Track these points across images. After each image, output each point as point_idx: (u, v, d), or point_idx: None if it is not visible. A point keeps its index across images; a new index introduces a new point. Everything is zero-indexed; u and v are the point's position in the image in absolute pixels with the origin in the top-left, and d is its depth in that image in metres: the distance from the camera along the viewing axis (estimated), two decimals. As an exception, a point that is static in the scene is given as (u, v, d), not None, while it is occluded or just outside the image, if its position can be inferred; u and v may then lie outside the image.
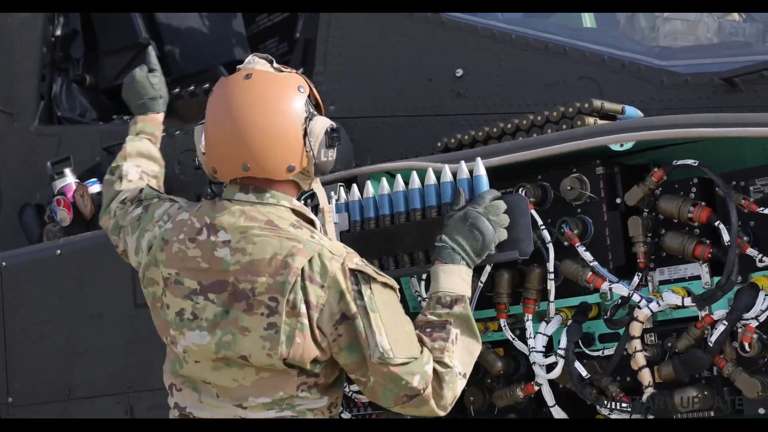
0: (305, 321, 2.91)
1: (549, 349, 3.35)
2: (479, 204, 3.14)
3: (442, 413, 2.99)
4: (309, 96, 3.07)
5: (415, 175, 3.36)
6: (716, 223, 3.13)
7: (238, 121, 2.99)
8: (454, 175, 3.29)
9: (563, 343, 3.29)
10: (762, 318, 3.07)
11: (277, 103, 3.00)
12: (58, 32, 5.79)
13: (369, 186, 3.46)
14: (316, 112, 3.08)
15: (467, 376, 3.04)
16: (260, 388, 2.95)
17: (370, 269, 2.98)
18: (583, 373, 3.27)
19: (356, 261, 2.98)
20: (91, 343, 4.61)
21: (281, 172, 3.00)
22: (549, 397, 3.37)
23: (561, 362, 3.29)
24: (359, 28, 4.58)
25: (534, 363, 3.34)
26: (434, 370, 2.96)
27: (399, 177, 3.40)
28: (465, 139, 3.82)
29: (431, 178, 3.33)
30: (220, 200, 3.07)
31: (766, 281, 3.09)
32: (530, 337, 3.34)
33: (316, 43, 4.78)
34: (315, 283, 2.91)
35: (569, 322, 3.32)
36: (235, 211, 3.01)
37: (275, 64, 3.10)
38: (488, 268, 3.36)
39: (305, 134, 3.01)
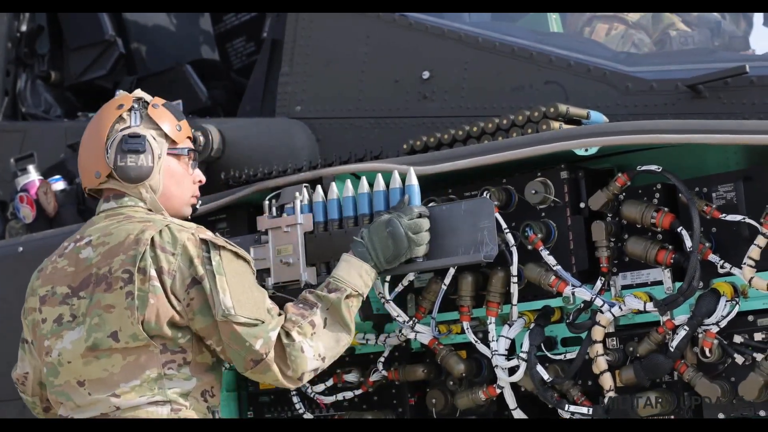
0: (156, 284, 3.06)
1: (511, 352, 3.36)
2: (405, 215, 3.24)
3: (289, 384, 3.10)
4: (137, 112, 3.26)
5: (380, 177, 3.37)
6: (679, 229, 3.15)
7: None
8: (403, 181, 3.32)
9: (525, 346, 3.30)
10: (723, 324, 3.10)
11: (97, 117, 3.30)
12: (24, 28, 5.75)
13: (334, 187, 3.46)
14: (141, 127, 3.25)
15: (326, 360, 3.13)
16: (129, 372, 3.06)
17: (221, 240, 3.14)
18: (545, 376, 3.28)
19: (208, 234, 3.14)
20: (53, 341, 4.56)
21: (92, 179, 3.27)
22: (511, 399, 3.38)
23: (523, 365, 3.30)
24: (326, 29, 4.57)
25: (496, 366, 3.35)
26: (279, 338, 3.07)
27: (364, 179, 3.40)
28: (431, 141, 3.83)
29: (396, 181, 3.34)
30: (91, 218, 3.30)
31: (727, 287, 3.11)
32: (493, 340, 3.35)
33: (283, 43, 4.77)
34: (166, 252, 3.08)
35: (532, 325, 3.33)
36: (99, 220, 3.25)
37: (138, 94, 3.30)
38: (452, 271, 3.36)
39: (109, 145, 3.23)
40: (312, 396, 3.68)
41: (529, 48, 4.14)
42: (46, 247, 4.64)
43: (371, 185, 3.38)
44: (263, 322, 3.07)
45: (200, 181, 3.36)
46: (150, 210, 3.25)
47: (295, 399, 3.79)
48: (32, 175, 5.15)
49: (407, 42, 4.39)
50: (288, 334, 3.08)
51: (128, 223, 3.16)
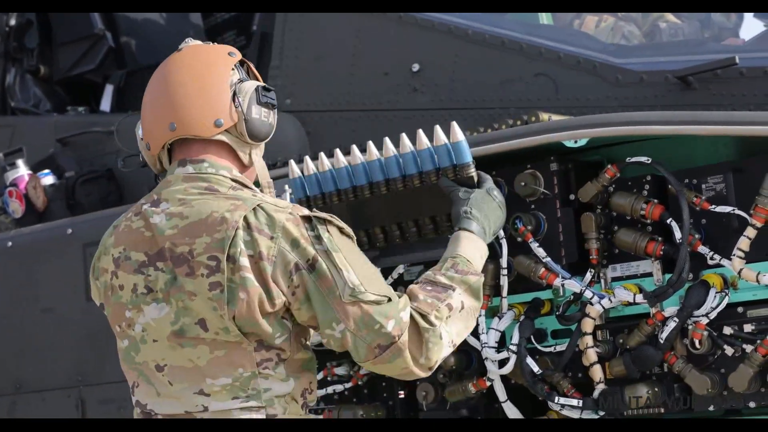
0: (248, 275, 2.73)
1: (501, 344, 3.35)
2: (493, 188, 3.11)
3: (420, 373, 2.80)
4: (243, 65, 2.98)
5: (421, 133, 3.21)
6: (668, 221, 3.14)
7: (166, 86, 2.90)
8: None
9: (515, 338, 3.29)
10: (712, 315, 3.09)
11: (205, 64, 2.91)
12: (13, 22, 5.74)
13: (324, 159, 3.39)
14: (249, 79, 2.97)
15: (455, 346, 2.88)
16: (217, 367, 2.77)
17: (325, 214, 2.82)
18: (535, 368, 3.28)
19: (307, 210, 2.83)
20: (42, 336, 4.56)
21: (209, 127, 2.86)
22: (501, 392, 3.37)
23: (513, 358, 3.29)
24: (315, 22, 4.57)
25: (486, 358, 3.34)
26: (415, 322, 2.77)
27: (354, 148, 3.33)
28: None
29: (406, 146, 3.24)
30: (165, 179, 2.94)
31: (716, 279, 3.11)
32: (482, 333, 3.34)
33: (272, 37, 4.77)
34: (263, 234, 2.74)
35: (521, 317, 3.33)
36: (176, 181, 2.88)
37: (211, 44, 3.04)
38: (441, 264, 3.35)
39: (235, 93, 2.88)
40: (302, 390, 3.66)
41: (519, 40, 4.15)
42: (35, 242, 4.65)
43: (414, 143, 3.20)
44: (391, 300, 2.75)
45: None
46: (234, 182, 2.87)
47: (285, 393, 3.78)
48: (21, 170, 5.14)
49: (397, 34, 4.39)
50: (425, 317, 2.76)
51: (212, 197, 2.80)
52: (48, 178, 5.07)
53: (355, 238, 2.87)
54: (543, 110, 3.79)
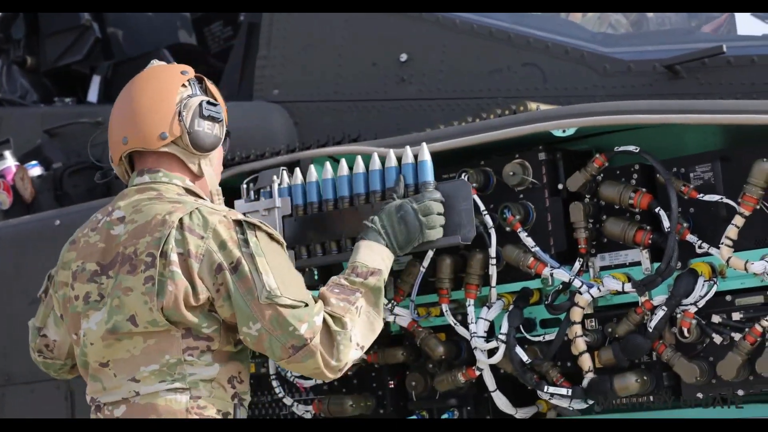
0: (176, 269, 2.95)
1: (490, 334, 3.35)
2: (418, 201, 3.20)
3: (329, 375, 2.99)
4: (198, 83, 3.19)
5: (359, 159, 3.36)
6: (657, 210, 3.15)
7: (123, 102, 3.17)
8: (399, 160, 3.29)
9: (504, 328, 3.30)
10: (701, 304, 3.10)
11: (157, 82, 3.16)
12: (-1, 13, 5.72)
13: (312, 170, 3.45)
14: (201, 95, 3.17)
15: (364, 349, 3.06)
16: (148, 356, 2.99)
17: (256, 220, 3.04)
18: (524, 358, 3.28)
19: (240, 215, 3.05)
20: (31, 327, 4.55)
21: (154, 140, 3.10)
22: (490, 381, 3.37)
23: (502, 347, 3.29)
24: (303, 12, 4.56)
25: (475, 348, 3.34)
26: (327, 326, 2.97)
27: (343, 161, 3.39)
28: None
29: (376, 163, 3.32)
30: (123, 191, 3.18)
31: (705, 267, 3.11)
32: (472, 322, 3.34)
33: (260, 27, 4.75)
34: (194, 234, 2.97)
35: (510, 307, 3.33)
36: (131, 192, 3.13)
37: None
38: (430, 253, 3.36)
39: (181, 108, 3.11)
40: (291, 380, 3.67)
41: (507, 30, 4.14)
42: (23, 234, 4.63)
43: (382, 162, 3.31)
44: (307, 305, 2.96)
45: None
46: (185, 190, 3.12)
47: (274, 383, 3.77)
48: (9, 161, 5.13)
49: (385, 25, 4.38)
50: (339, 320, 2.98)
51: (159, 202, 3.05)
52: (35, 170, 5.06)
53: (284, 244, 3.10)
54: (531, 100, 3.79)
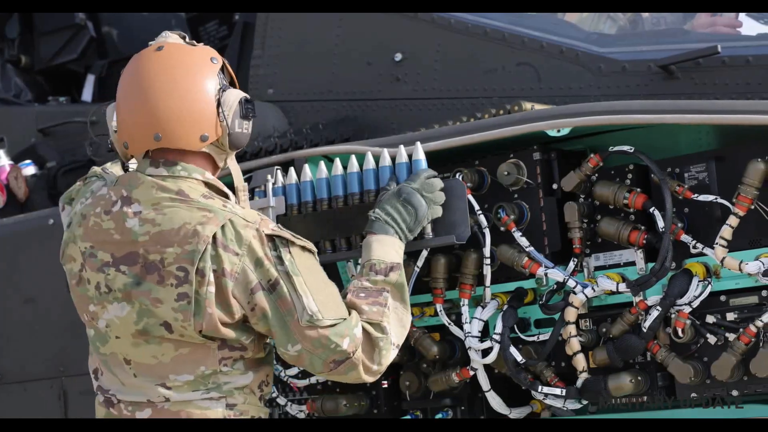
0: (213, 289, 2.85)
1: (485, 334, 3.35)
2: (414, 181, 3.15)
3: (370, 379, 2.96)
4: (222, 69, 3.02)
5: (353, 159, 3.35)
6: (651, 210, 3.14)
7: (149, 91, 2.92)
8: (393, 159, 3.28)
9: (499, 328, 3.29)
10: (695, 304, 3.10)
11: (189, 72, 2.94)
12: (-7, 12, 5.71)
13: (307, 169, 3.45)
14: (229, 86, 3.03)
15: (399, 347, 3.02)
16: (180, 365, 2.91)
17: (287, 233, 2.93)
18: (519, 358, 3.28)
19: (271, 226, 2.93)
20: (24, 327, 4.54)
21: (195, 142, 2.93)
22: (484, 381, 3.37)
23: (496, 347, 3.29)
24: (298, 11, 4.55)
25: (469, 348, 3.34)
26: (368, 333, 2.93)
27: (337, 161, 3.39)
28: None
29: (370, 162, 3.32)
30: (136, 173, 2.99)
31: (699, 267, 3.11)
32: (466, 322, 3.34)
33: (254, 26, 4.75)
34: (229, 251, 2.86)
35: (505, 307, 3.32)
36: (149, 183, 2.95)
37: (188, 40, 3.06)
38: (424, 253, 3.35)
39: (218, 104, 2.95)
40: (285, 380, 3.66)
41: (502, 30, 4.14)
42: (17, 233, 4.63)
43: (376, 162, 3.29)
44: (345, 319, 2.90)
45: None
46: (205, 184, 2.95)
47: (268, 383, 3.77)
48: (2, 160, 5.13)
49: (379, 24, 4.37)
50: (378, 326, 2.93)
51: (184, 206, 2.88)
52: (29, 169, 5.05)
53: (315, 251, 3.00)
54: (526, 99, 3.79)
